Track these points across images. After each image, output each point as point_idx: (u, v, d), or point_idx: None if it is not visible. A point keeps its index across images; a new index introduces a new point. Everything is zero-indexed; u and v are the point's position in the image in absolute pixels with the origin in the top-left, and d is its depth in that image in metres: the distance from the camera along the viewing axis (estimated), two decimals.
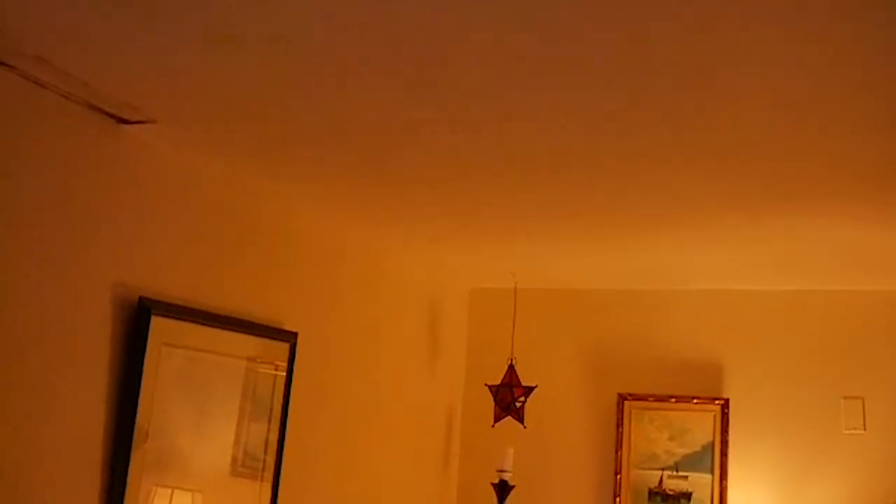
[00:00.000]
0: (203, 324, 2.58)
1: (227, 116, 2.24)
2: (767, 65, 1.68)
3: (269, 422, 2.92)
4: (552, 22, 1.55)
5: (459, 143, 2.30)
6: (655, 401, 4.14)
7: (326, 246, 3.34)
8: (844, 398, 3.87)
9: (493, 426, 4.07)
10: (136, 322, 2.33)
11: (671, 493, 4.05)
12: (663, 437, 4.11)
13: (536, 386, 4.02)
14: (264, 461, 2.89)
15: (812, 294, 3.99)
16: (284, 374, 2.99)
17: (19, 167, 2.01)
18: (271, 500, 2.91)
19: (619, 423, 4.18)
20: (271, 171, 2.71)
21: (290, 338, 3.01)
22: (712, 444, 4.03)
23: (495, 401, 4.05)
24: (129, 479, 2.29)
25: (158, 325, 2.38)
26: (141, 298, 2.34)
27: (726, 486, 3.96)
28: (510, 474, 3.97)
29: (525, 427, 4.03)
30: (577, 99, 1.94)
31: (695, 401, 4.06)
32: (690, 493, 4.01)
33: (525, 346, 4.14)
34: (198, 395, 2.60)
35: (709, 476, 4.01)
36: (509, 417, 4.02)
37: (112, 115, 2.23)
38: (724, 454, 4.00)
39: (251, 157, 2.58)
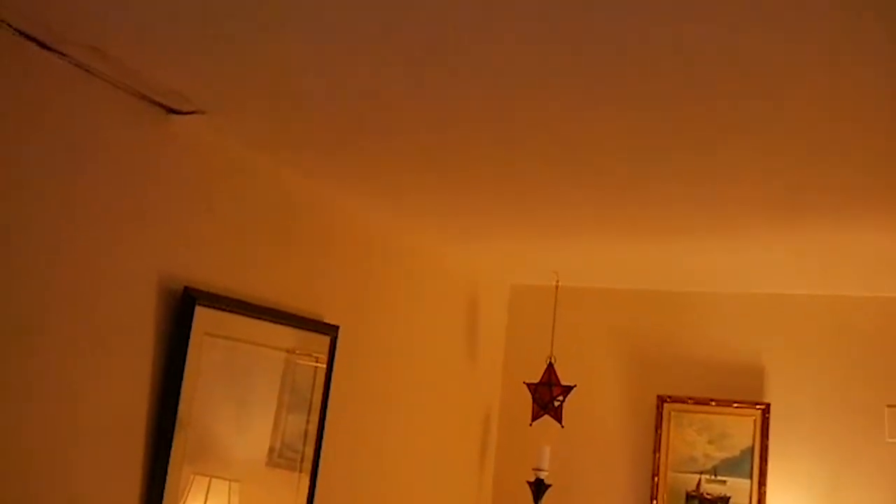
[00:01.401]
0: (246, 315, 2.60)
1: (274, 109, 2.25)
2: (805, 74, 1.66)
3: (309, 413, 2.93)
4: (608, 34, 1.54)
5: (506, 141, 2.29)
6: (695, 403, 4.10)
7: (368, 240, 3.34)
8: (889, 406, 3.81)
9: (530, 424, 4.05)
10: (180, 311, 2.35)
11: (709, 497, 4.01)
12: (702, 440, 4.07)
13: (575, 385, 3.99)
14: (303, 452, 2.90)
15: (857, 300, 3.93)
16: (325, 366, 3.00)
17: (70, 155, 2.03)
18: (309, 490, 2.92)
19: (658, 426, 4.14)
20: (316, 164, 2.71)
21: (332, 331, 3.02)
22: (752, 448, 3.98)
23: (533, 399, 4.04)
24: (170, 467, 2.31)
25: (202, 315, 2.40)
26: (186, 288, 2.36)
27: (765, 493, 3.90)
28: (546, 473, 3.95)
29: (563, 426, 4.01)
30: (628, 109, 1.93)
31: (735, 405, 4.02)
32: (728, 498, 3.97)
33: (565, 345, 4.11)
34: (238, 386, 2.62)
35: (747, 481, 3.96)
36: (547, 416, 4.00)
37: (162, 105, 2.24)
38: (763, 459, 3.94)
39: (298, 151, 2.59)
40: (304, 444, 2.92)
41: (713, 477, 4.02)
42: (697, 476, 4.05)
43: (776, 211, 2.71)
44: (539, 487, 3.94)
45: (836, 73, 1.67)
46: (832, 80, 1.71)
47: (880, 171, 2.25)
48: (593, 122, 2.09)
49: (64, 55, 1.94)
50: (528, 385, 4.06)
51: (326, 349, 3.01)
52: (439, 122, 2.22)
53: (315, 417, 2.95)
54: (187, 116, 2.30)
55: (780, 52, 1.59)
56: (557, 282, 4.17)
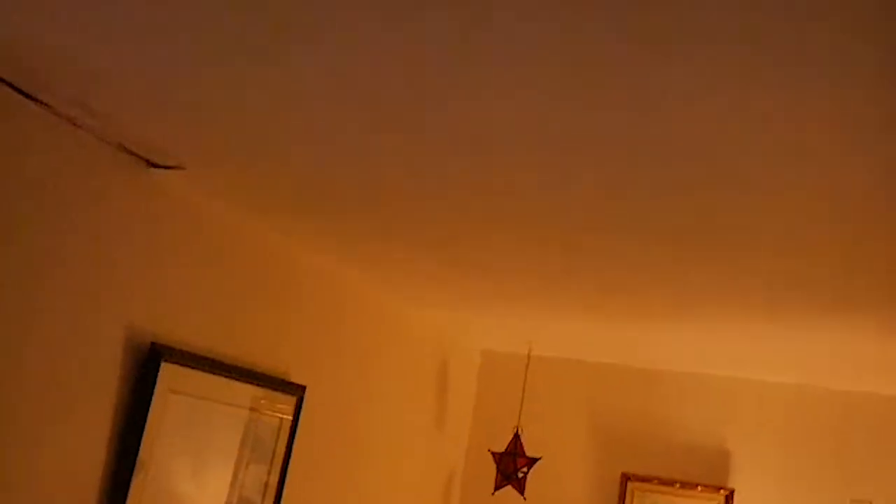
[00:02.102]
0: (212, 372, 2.55)
1: (252, 168, 2.23)
2: (802, 175, 1.66)
3: (269, 473, 2.88)
4: (579, 105, 1.54)
5: (483, 213, 2.28)
6: (660, 484, 4.07)
7: (341, 301, 3.32)
8: (853, 501, 3.79)
9: (492, 494, 4.01)
10: (146, 366, 2.31)
11: None
12: None
13: (541, 458, 3.96)
14: None
15: (827, 392, 3.93)
16: (289, 427, 2.96)
17: (47, 204, 2.00)
18: None
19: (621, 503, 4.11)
20: (292, 224, 2.69)
21: (298, 391, 2.98)
22: None
23: (497, 468, 4.00)
24: None
25: (167, 371, 2.35)
26: (153, 344, 2.32)
27: None
28: None
29: (525, 498, 3.97)
30: (607, 199, 1.92)
31: (700, 488, 3.99)
32: None
33: (533, 415, 4.09)
34: (199, 442, 2.57)
35: None
36: (510, 487, 3.96)
37: (143, 158, 2.22)
38: None
39: (274, 209, 2.57)
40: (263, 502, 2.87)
41: None
42: None
43: (749, 302, 2.71)
44: None
45: (812, 173, 1.67)
46: (807, 180, 1.71)
47: (854, 272, 2.26)
48: (573, 203, 2.09)
49: (46, 105, 1.91)
50: (493, 454, 4.02)
51: (292, 409, 2.97)
52: (418, 193, 2.21)
53: (275, 477, 2.90)
54: (167, 171, 2.27)
55: (755, 150, 1.59)
56: (530, 350, 4.16)
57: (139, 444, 2.28)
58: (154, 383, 2.31)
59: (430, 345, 4.08)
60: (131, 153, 2.19)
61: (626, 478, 4.12)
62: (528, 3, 1.19)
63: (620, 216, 2.12)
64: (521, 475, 3.96)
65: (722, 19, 1.16)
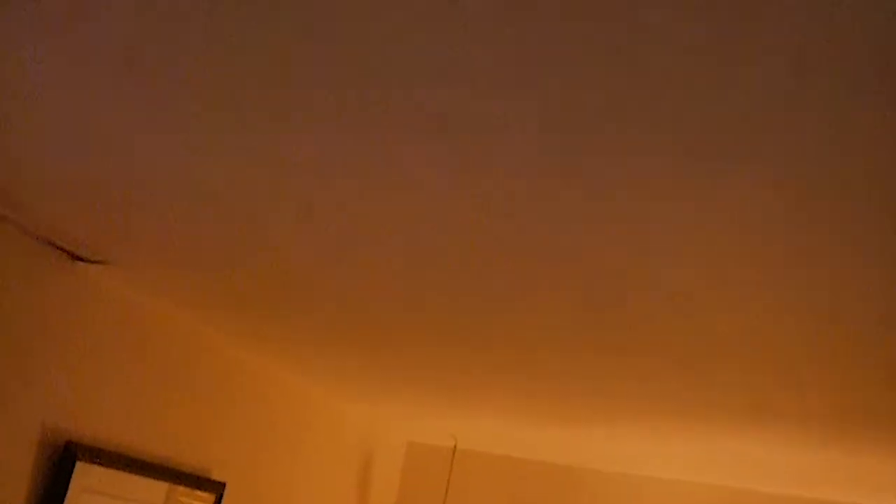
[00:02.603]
0: (128, 471, 2.48)
1: (175, 265, 2.20)
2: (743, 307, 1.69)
3: None
4: (517, 210, 1.55)
5: (411, 312, 2.27)
6: None
7: (265, 394, 3.26)
8: None
9: None
10: (59, 466, 2.23)
11: None
12: None
13: None
14: None
15: (756, 495, 3.96)
16: None
17: None
18: None
19: None
20: (217, 320, 2.66)
21: (219, 488, 2.91)
22: None
23: None
24: None
25: (82, 471, 2.28)
26: (67, 443, 2.25)
27: None
28: None
29: None
30: (531, 298, 1.93)
31: None
32: None
33: None
34: None
35: None
36: None
37: (68, 252, 2.18)
38: None
39: (198, 304, 2.53)
40: None
41: None
42: None
43: (685, 411, 2.74)
44: None
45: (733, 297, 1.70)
46: (747, 304, 1.74)
47: (789, 384, 2.29)
48: (500, 316, 2.09)
49: None
50: None
51: None
52: (344, 293, 2.20)
53: None
54: (92, 265, 2.24)
55: (703, 285, 1.62)
56: (455, 444, 4.13)
57: None
58: (68, 483, 2.24)
59: (354, 437, 4.03)
60: (56, 247, 2.15)
61: None
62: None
63: (544, 329, 2.13)
64: None
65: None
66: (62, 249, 2.17)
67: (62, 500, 2.23)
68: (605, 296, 1.81)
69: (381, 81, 1.12)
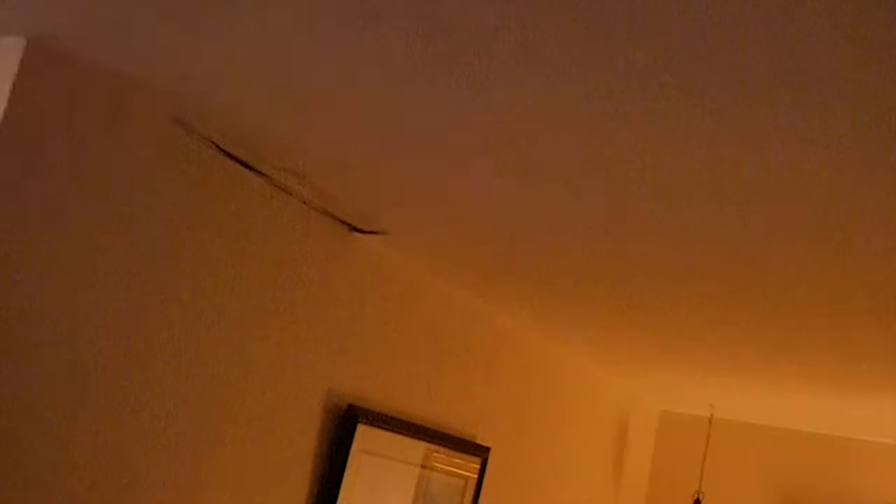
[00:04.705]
0: (404, 434, 2.57)
1: (449, 234, 2.24)
2: None
3: None
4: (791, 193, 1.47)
5: (677, 286, 2.23)
6: None
7: (528, 363, 3.30)
8: None
9: None
10: (342, 428, 2.34)
11: None
12: None
13: None
14: None
15: None
16: (474, 487, 2.95)
17: (255, 267, 2.05)
18: None
19: None
20: (485, 288, 2.70)
21: (484, 452, 2.97)
22: None
23: None
24: None
25: (362, 433, 2.38)
26: (350, 406, 2.35)
27: None
28: None
29: None
30: (816, 263, 1.84)
31: None
32: None
33: (714, 481, 3.94)
34: (386, 502, 2.58)
35: None
36: None
37: (346, 223, 2.27)
38: None
39: (469, 274, 2.58)
40: None
41: None
42: None
43: None
44: None
45: None
46: None
47: None
48: (775, 277, 2.01)
49: (263, 175, 1.98)
50: None
51: (477, 470, 2.96)
52: (609, 266, 2.19)
53: None
54: (368, 235, 2.32)
55: None
56: (712, 413, 4.03)
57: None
58: (350, 445, 2.34)
59: (610, 406, 4.01)
60: (336, 218, 2.24)
61: None
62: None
63: (832, 292, 2.03)
64: None
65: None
66: (341, 221, 2.26)
67: (345, 461, 2.34)
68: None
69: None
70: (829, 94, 1.14)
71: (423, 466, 2.72)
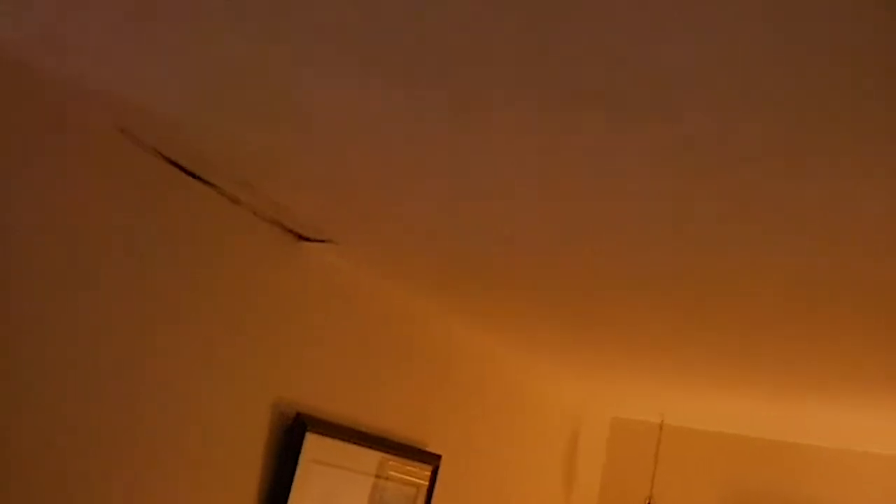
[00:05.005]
0: (353, 443, 2.57)
1: (401, 243, 2.25)
2: None
3: None
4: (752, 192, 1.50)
5: (633, 290, 2.25)
6: None
7: (481, 370, 3.31)
8: None
9: None
10: (290, 437, 2.33)
11: None
12: None
13: None
14: None
15: None
16: (425, 495, 2.96)
17: (202, 277, 2.05)
18: None
19: None
20: (437, 296, 2.71)
21: (435, 460, 2.98)
22: None
23: None
24: None
25: (311, 442, 2.38)
26: (298, 415, 2.35)
27: None
28: None
29: None
30: (775, 266, 1.87)
31: None
32: None
33: (666, 488, 3.98)
34: None
35: None
36: None
37: (294, 233, 2.27)
38: None
39: (421, 282, 2.59)
40: None
41: None
42: None
43: None
44: None
45: None
46: None
47: None
48: (730, 296, 2.04)
49: (212, 185, 1.98)
50: None
51: (428, 478, 2.96)
52: (564, 272, 2.20)
53: None
54: (317, 244, 2.32)
55: None
56: (662, 420, 4.07)
57: None
58: (298, 453, 2.34)
59: (562, 413, 4.03)
60: (284, 228, 2.24)
61: None
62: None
63: (782, 300, 2.06)
64: None
65: None
66: (289, 230, 2.26)
67: (293, 470, 2.33)
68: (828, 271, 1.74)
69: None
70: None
71: (377, 476, 2.73)
